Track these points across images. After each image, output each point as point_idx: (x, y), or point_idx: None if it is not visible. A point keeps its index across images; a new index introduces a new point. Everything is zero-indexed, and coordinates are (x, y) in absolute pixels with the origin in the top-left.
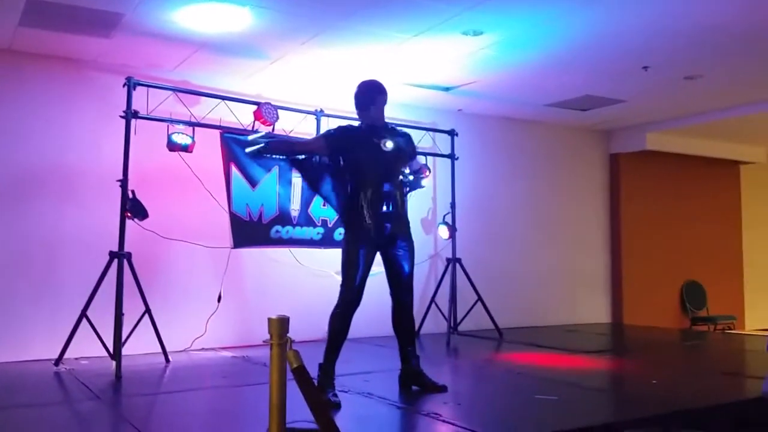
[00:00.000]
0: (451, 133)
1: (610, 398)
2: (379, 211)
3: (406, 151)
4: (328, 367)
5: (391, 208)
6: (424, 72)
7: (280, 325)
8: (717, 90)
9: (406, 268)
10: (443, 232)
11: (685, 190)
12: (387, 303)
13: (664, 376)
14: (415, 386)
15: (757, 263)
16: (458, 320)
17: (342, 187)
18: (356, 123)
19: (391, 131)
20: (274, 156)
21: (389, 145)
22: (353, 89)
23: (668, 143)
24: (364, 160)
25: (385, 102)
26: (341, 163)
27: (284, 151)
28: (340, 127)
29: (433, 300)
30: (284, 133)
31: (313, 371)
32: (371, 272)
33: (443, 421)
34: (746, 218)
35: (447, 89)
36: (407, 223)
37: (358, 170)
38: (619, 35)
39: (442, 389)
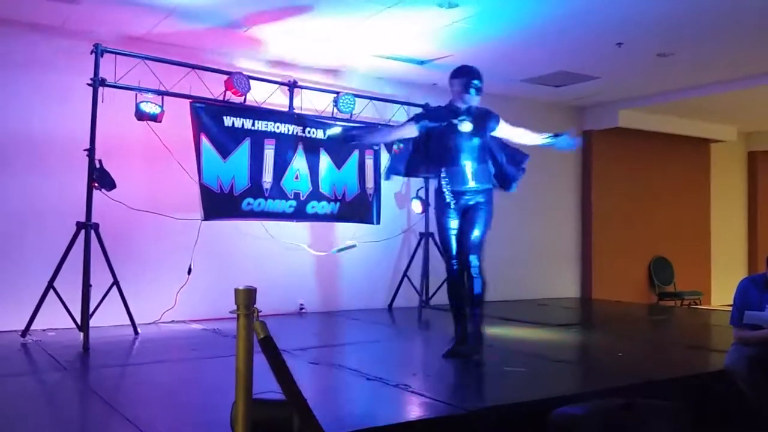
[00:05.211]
0: (426, 107)
1: (576, 370)
2: (456, 187)
3: (486, 127)
4: (456, 328)
5: (467, 184)
6: (399, 45)
7: (246, 296)
8: (689, 68)
9: (473, 229)
10: (416, 206)
11: (656, 168)
12: (372, 276)
13: (630, 349)
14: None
15: (725, 241)
16: (430, 294)
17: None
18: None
19: (472, 112)
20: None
21: (467, 126)
22: (327, 60)
23: (640, 121)
24: (444, 139)
25: (463, 85)
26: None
27: (377, 141)
28: (423, 112)
29: (405, 274)
30: (256, 104)
31: (282, 343)
32: (346, 244)
33: (412, 392)
34: (715, 196)
35: (422, 63)
36: (486, 191)
37: (440, 148)
38: (593, 11)
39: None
